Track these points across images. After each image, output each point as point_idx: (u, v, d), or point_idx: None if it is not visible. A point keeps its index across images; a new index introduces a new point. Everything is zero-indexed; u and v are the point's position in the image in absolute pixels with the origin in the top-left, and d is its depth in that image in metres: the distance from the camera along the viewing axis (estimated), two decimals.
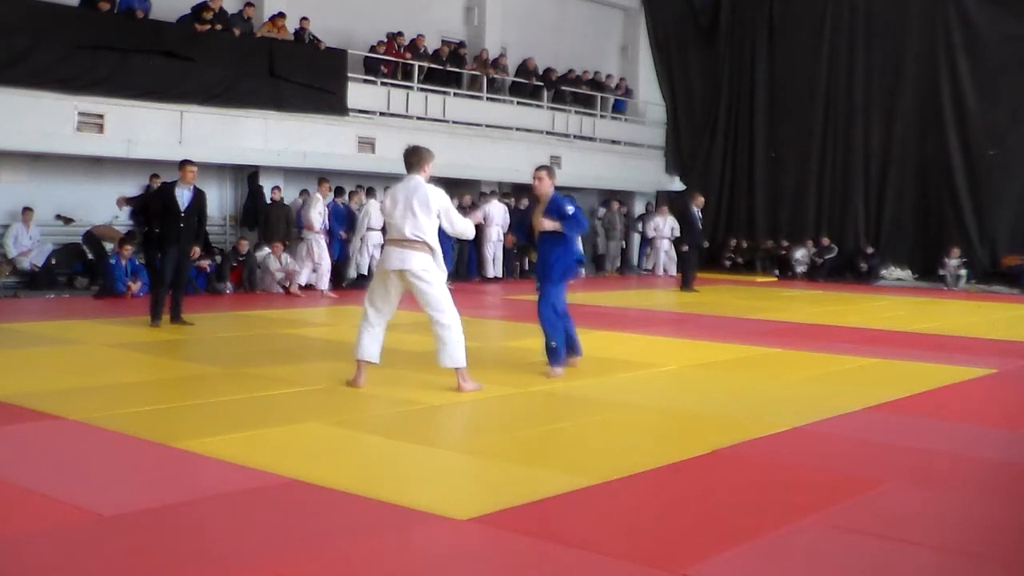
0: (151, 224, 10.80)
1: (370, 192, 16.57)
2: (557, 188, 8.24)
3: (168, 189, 10.56)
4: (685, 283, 17.35)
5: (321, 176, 15.34)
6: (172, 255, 10.41)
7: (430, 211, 7.03)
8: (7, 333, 9.89)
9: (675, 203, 21.62)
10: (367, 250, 16.53)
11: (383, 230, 15.86)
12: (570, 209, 7.94)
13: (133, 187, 15.73)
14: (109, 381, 7.36)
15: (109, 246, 14.22)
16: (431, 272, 7.03)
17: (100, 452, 5.34)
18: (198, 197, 10.60)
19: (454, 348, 7.05)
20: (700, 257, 18.32)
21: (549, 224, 7.90)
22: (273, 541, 3.98)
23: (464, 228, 7.36)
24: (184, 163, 10.57)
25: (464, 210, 16.02)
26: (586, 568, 3.77)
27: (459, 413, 6.74)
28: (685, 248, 17.69)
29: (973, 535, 4.36)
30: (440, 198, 7.16)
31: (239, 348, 9.29)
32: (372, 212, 16.28)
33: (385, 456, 5.48)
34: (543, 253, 8.13)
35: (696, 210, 17.57)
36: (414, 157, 7.25)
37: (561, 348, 8.00)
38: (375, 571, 3.71)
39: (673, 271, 19.12)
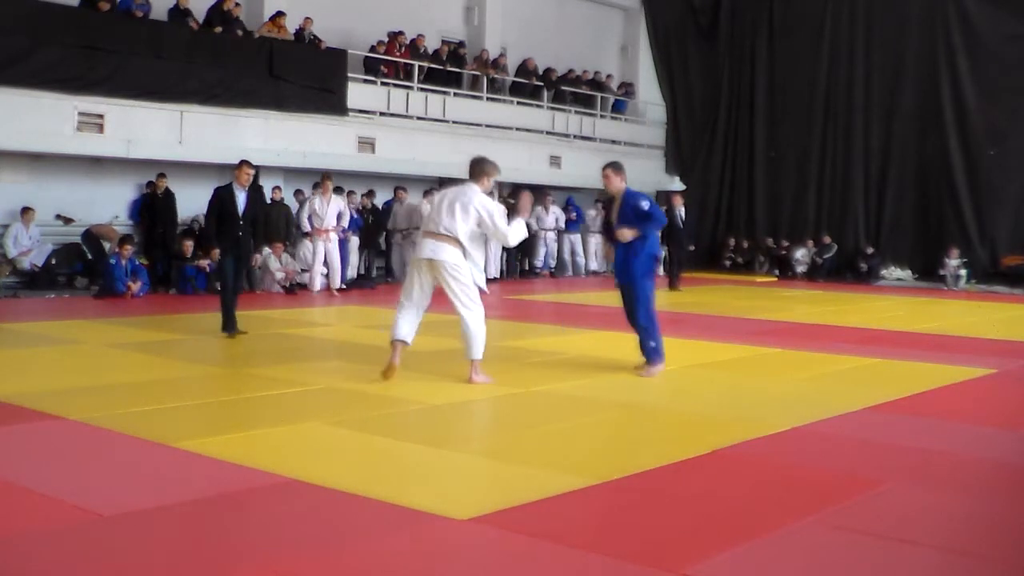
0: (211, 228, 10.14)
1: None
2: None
3: (227, 191, 9.91)
4: (671, 283, 17.49)
5: (324, 174, 15.39)
6: (231, 260, 9.87)
7: (468, 214, 7.28)
8: (7, 333, 9.89)
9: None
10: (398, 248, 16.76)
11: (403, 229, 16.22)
12: (645, 205, 7.97)
13: (133, 187, 15.75)
14: (109, 381, 7.36)
15: (108, 246, 14.22)
16: (460, 267, 7.31)
17: (100, 452, 5.34)
18: (254, 198, 10.14)
19: (474, 340, 7.39)
20: (686, 257, 18.32)
21: (629, 234, 7.94)
22: (273, 541, 3.98)
23: (507, 233, 7.45)
24: (242, 163, 10.01)
25: None
26: (586, 568, 3.77)
27: (459, 413, 6.73)
28: (667, 248, 17.85)
29: (973, 535, 4.36)
30: (485, 204, 7.35)
31: (239, 348, 9.29)
32: (400, 212, 16.53)
33: (385, 456, 5.47)
34: (620, 251, 8.15)
35: (680, 210, 17.65)
36: (476, 168, 7.55)
37: (660, 346, 8.00)
38: (375, 571, 3.71)
39: (680, 272, 19.08)
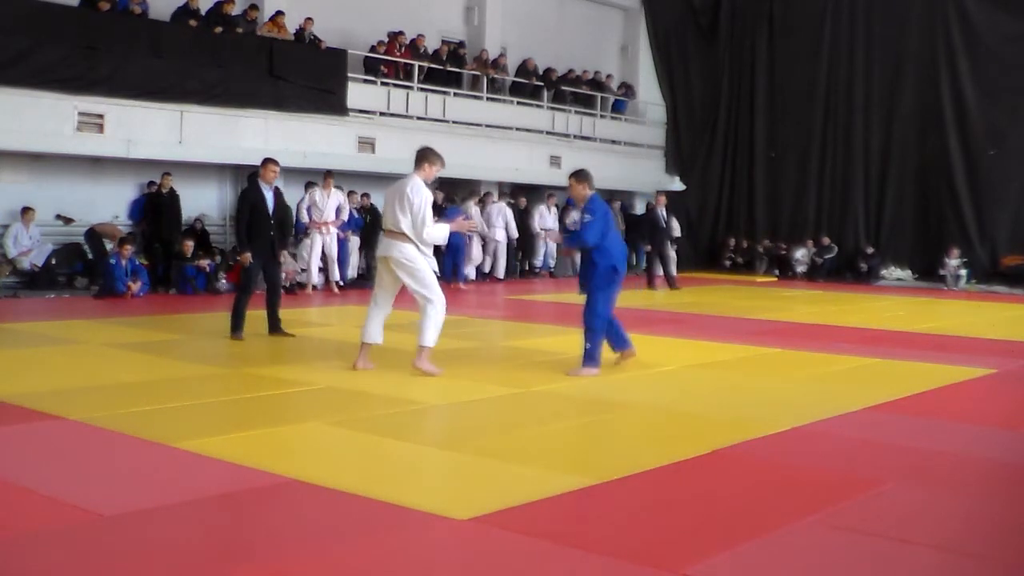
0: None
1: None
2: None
3: (256, 192, 9.65)
4: (670, 283, 17.60)
5: (327, 171, 15.48)
6: (259, 260, 9.65)
7: (404, 207, 7.51)
8: (7, 333, 9.89)
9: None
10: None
11: None
12: (585, 218, 8.03)
13: (133, 187, 15.75)
14: (109, 381, 7.36)
15: (110, 245, 14.23)
16: (415, 260, 7.55)
17: (100, 452, 5.34)
18: (279, 197, 9.96)
19: (429, 328, 7.57)
20: (671, 256, 18.37)
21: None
22: (273, 541, 3.98)
23: (429, 235, 7.59)
24: (267, 161, 9.82)
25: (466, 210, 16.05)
26: (586, 568, 3.77)
27: (459, 413, 6.73)
28: (649, 247, 17.96)
29: (973, 535, 4.36)
30: (417, 198, 7.50)
31: (239, 348, 9.29)
32: None
33: (385, 456, 5.47)
34: (582, 260, 8.25)
35: (662, 210, 17.79)
36: (418, 156, 7.76)
37: (595, 352, 8.01)
38: (375, 571, 3.71)
39: (673, 271, 19.17)
